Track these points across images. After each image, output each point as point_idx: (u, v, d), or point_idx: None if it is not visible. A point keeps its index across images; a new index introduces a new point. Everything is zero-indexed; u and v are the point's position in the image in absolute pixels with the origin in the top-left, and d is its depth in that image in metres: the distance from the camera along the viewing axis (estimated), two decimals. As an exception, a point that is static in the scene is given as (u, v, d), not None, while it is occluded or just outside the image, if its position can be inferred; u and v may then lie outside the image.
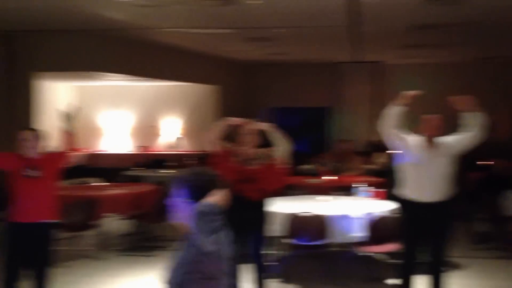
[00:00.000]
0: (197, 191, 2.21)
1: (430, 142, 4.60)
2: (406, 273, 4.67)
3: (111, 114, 14.75)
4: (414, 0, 7.99)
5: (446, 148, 4.62)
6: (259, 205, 4.87)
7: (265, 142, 5.00)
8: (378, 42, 12.19)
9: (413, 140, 4.69)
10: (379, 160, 9.37)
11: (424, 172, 4.55)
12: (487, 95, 15.53)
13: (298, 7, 8.31)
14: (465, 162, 10.47)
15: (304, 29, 10.29)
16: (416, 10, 8.64)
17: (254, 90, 16.57)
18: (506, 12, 8.76)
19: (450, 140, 4.69)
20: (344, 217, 5.51)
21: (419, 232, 4.60)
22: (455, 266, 6.19)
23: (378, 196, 6.12)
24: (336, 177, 8.48)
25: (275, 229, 5.63)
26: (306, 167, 10.33)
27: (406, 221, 4.68)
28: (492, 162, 8.88)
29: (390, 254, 5.61)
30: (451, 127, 4.75)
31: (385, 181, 6.85)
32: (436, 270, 4.64)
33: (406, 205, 4.68)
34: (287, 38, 11.41)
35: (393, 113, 4.59)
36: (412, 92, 4.59)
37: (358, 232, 5.43)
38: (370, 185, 6.72)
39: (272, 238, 6.07)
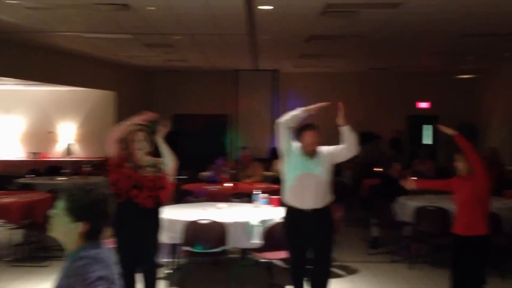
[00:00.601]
0: (78, 210, 2.11)
1: (310, 150, 4.72)
2: (296, 279, 4.76)
3: (1, 119, 13.92)
4: (310, 12, 8.27)
5: (324, 157, 4.76)
6: (152, 212, 4.80)
7: (157, 150, 4.95)
8: (276, 51, 12.50)
9: (295, 148, 4.79)
10: (278, 166, 9.56)
11: (304, 180, 4.67)
12: (377, 104, 16.62)
13: (196, 14, 8.32)
14: (362, 169, 11.01)
15: (204, 36, 10.32)
16: (312, 22, 8.95)
17: (154, 96, 16.37)
18: (392, 27, 9.33)
19: (329, 150, 4.82)
20: (243, 224, 5.56)
21: (301, 239, 4.70)
22: (350, 271, 6.45)
23: (273, 203, 6.24)
24: (236, 184, 8.55)
25: (173, 236, 5.57)
26: (206, 173, 10.33)
27: (288, 228, 4.79)
28: (382, 169, 9.34)
29: (286, 260, 5.75)
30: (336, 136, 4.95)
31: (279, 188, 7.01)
32: (320, 276, 4.76)
33: (288, 212, 4.78)
34: (187, 45, 11.39)
35: (287, 121, 4.68)
36: (320, 104, 4.71)
37: (256, 239, 5.50)
38: (268, 192, 6.84)
39: (170, 245, 6.01)
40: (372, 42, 10.97)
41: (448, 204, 6.41)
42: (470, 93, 16.38)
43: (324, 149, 4.83)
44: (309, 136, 4.72)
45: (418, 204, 6.70)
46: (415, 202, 6.82)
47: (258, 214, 5.89)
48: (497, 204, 6.20)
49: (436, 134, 16.88)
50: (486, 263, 4.66)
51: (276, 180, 8.06)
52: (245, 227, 5.53)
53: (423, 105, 16.73)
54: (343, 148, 4.76)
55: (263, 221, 5.56)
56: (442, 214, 6.36)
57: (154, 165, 4.85)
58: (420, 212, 6.53)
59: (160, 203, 4.87)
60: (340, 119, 4.74)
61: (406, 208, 6.86)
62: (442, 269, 6.34)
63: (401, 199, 7.13)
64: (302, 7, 7.97)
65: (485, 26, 9.39)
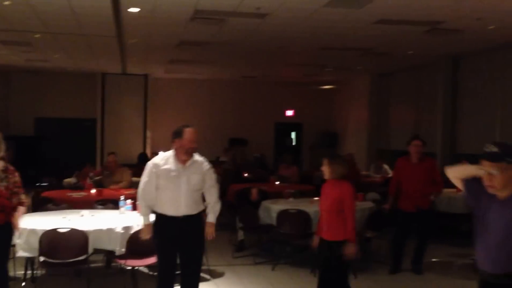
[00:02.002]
0: None
1: (187, 156, 4.64)
2: (164, 286, 4.71)
3: None
4: (179, 17, 8.28)
5: (199, 165, 4.75)
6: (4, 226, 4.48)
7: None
8: (146, 56, 12.34)
9: (163, 158, 4.73)
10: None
11: (174, 187, 4.63)
12: (248, 111, 17.10)
13: (59, 12, 7.95)
14: (229, 174, 11.17)
15: (68, 36, 9.88)
16: (181, 27, 8.97)
17: (12, 98, 15.33)
18: (259, 37, 9.66)
19: (205, 164, 4.77)
20: (106, 231, 5.40)
21: (171, 245, 4.66)
22: (216, 275, 6.53)
23: (138, 209, 6.12)
24: (101, 190, 8.27)
25: (29, 248, 5.26)
26: (70, 180, 9.88)
27: (158, 234, 4.73)
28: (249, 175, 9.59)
29: (152, 267, 5.69)
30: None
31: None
32: (191, 281, 4.76)
33: (159, 218, 4.72)
34: (49, 44, 10.81)
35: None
36: None
37: (120, 246, 5.37)
38: (135, 197, 6.70)
39: (28, 257, 5.67)
40: (241, 50, 11.26)
41: (309, 207, 6.77)
42: (330, 102, 17.46)
43: (204, 161, 4.79)
44: (189, 133, 4.62)
45: (280, 207, 6.97)
46: (278, 206, 7.09)
47: (122, 220, 5.75)
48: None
49: (300, 140, 17.73)
50: (349, 267, 4.85)
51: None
52: (109, 234, 5.38)
53: (289, 112, 17.50)
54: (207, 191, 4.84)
55: (127, 228, 5.44)
56: (303, 217, 6.68)
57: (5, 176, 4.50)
58: (282, 215, 6.80)
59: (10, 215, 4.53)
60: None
61: (269, 211, 7.10)
62: (303, 269, 6.69)
63: (265, 203, 7.37)
64: (170, 12, 7.97)
65: (341, 41, 10.10)
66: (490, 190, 2.92)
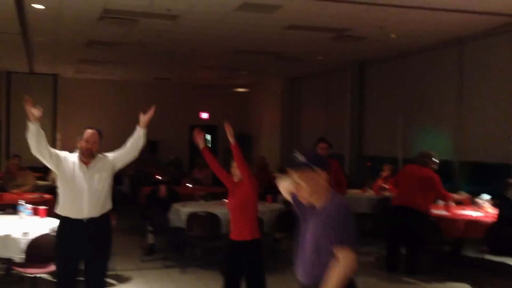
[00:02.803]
0: None
1: (86, 157, 4.55)
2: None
3: None
4: (87, 16, 8.06)
5: (104, 164, 4.67)
6: None
7: None
8: (55, 55, 11.89)
9: (69, 155, 4.61)
10: (53, 175, 9.06)
11: (76, 188, 4.50)
12: (162, 113, 16.87)
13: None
14: (140, 177, 10.96)
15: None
16: (90, 27, 8.73)
17: None
18: (170, 38, 9.59)
19: (111, 156, 4.73)
20: (3, 238, 5.14)
21: (75, 250, 4.51)
22: (123, 279, 6.40)
23: (40, 214, 5.89)
24: (1, 194, 7.87)
25: None
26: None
27: (60, 239, 4.56)
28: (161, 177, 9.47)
29: (54, 274, 5.48)
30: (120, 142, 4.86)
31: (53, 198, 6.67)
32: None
33: (62, 222, 4.56)
34: None
35: (31, 131, 4.41)
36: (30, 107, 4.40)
37: (18, 253, 5.13)
38: (41, 202, 6.44)
39: None
40: (153, 52, 11.12)
41: (219, 209, 6.80)
42: (244, 105, 17.64)
43: (107, 155, 4.69)
44: (86, 134, 4.54)
45: (190, 210, 6.96)
46: (188, 208, 7.07)
47: (22, 226, 5.50)
48: (260, 208, 6.73)
49: (215, 142, 17.74)
50: (262, 267, 4.83)
51: (51, 189, 7.64)
52: (5, 240, 5.13)
53: (204, 115, 17.49)
54: (126, 150, 4.69)
55: (26, 234, 5.21)
56: (212, 219, 6.70)
57: None
58: (192, 217, 6.78)
59: None
60: (143, 120, 4.71)
61: (179, 214, 7.07)
62: (213, 271, 6.71)
63: (176, 206, 7.32)
64: (78, 10, 7.73)
65: (253, 45, 10.25)
66: (300, 199, 2.81)
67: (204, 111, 17.42)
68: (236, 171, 4.86)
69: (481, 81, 8.91)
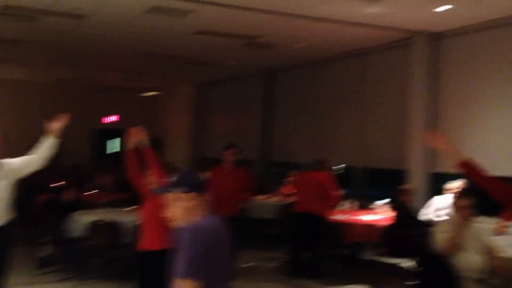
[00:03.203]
0: None
1: None
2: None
3: None
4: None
5: (6, 171, 4.40)
6: None
7: None
8: None
9: None
10: None
11: None
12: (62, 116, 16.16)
13: None
14: (33, 184, 10.33)
15: None
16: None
17: None
18: (76, 38, 9.25)
19: (14, 162, 4.48)
20: None
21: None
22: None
23: None
24: None
25: None
26: None
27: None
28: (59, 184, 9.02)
29: None
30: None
31: None
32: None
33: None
34: None
35: None
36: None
37: None
38: None
39: None
40: (56, 51, 10.68)
41: (122, 217, 6.60)
42: (154, 109, 17.37)
43: (11, 161, 4.41)
44: None
45: (90, 219, 6.64)
46: (88, 216, 6.76)
47: None
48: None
49: (124, 147, 17.28)
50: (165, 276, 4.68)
51: None
52: None
53: (112, 118, 17.02)
54: (34, 158, 4.44)
55: None
56: (113, 228, 6.47)
57: None
58: (92, 227, 6.50)
59: None
60: (55, 128, 4.42)
61: (79, 223, 6.73)
62: (113, 282, 6.42)
63: (74, 215, 6.94)
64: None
65: (163, 48, 10.13)
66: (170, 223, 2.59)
67: (111, 114, 16.95)
68: (152, 179, 4.64)
69: (381, 91, 9.39)
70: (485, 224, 4.77)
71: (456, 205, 4.85)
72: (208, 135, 15.21)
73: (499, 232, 5.91)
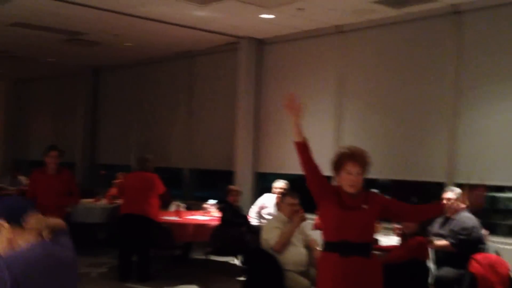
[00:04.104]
0: None
1: None
2: None
3: None
4: None
5: None
6: None
7: None
8: None
9: None
10: None
11: None
12: None
13: None
14: None
15: None
16: None
17: None
18: None
19: None
20: None
21: None
22: None
23: None
24: None
25: None
26: None
27: None
28: None
29: None
30: None
31: None
32: None
33: None
34: None
35: None
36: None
37: None
38: None
39: None
40: None
41: None
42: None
43: None
44: None
45: None
46: None
47: None
48: None
49: None
50: None
51: None
52: None
53: None
54: None
55: None
56: None
57: None
58: None
59: None
60: None
61: None
62: None
63: None
64: None
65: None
66: None
67: None
68: None
69: (210, 94, 9.60)
70: (307, 220, 5.14)
71: (283, 203, 5.16)
72: (27, 136, 14.10)
73: (317, 227, 6.45)
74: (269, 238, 4.95)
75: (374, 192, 3.42)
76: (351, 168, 3.27)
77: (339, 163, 3.33)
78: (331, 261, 3.23)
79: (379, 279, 3.31)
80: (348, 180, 3.27)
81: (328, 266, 3.26)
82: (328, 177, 3.48)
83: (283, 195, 5.29)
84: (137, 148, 10.87)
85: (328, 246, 3.28)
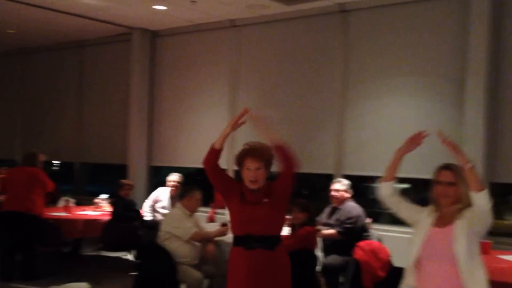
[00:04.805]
0: None
1: None
2: None
3: None
4: None
5: None
6: None
7: None
8: None
9: None
10: None
11: None
12: None
13: None
14: None
15: None
16: None
17: None
18: None
19: None
20: None
21: None
22: None
23: None
24: None
25: None
26: None
27: None
28: None
29: None
30: None
31: None
32: None
33: None
34: None
35: None
36: None
37: None
38: None
39: None
40: None
41: None
42: None
43: None
44: None
45: None
46: None
47: None
48: None
49: None
50: None
51: None
52: None
53: None
54: None
55: None
56: None
57: None
58: None
59: None
60: None
61: None
62: None
63: None
64: None
65: None
66: None
67: None
68: None
69: (102, 85, 9.28)
70: (202, 213, 5.17)
71: (192, 197, 5.14)
72: None
73: (211, 219, 6.50)
74: (187, 226, 4.96)
75: (273, 182, 3.46)
76: (250, 164, 3.33)
77: (240, 159, 3.40)
78: (238, 254, 3.32)
79: (286, 270, 3.39)
80: (248, 176, 3.33)
81: (235, 259, 3.34)
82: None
83: (193, 189, 5.23)
84: (22, 141, 10.28)
85: (235, 240, 3.37)
